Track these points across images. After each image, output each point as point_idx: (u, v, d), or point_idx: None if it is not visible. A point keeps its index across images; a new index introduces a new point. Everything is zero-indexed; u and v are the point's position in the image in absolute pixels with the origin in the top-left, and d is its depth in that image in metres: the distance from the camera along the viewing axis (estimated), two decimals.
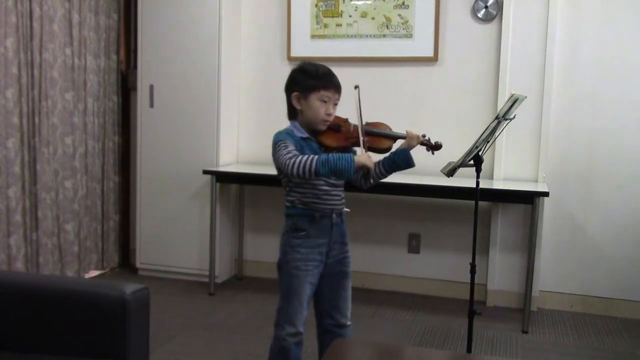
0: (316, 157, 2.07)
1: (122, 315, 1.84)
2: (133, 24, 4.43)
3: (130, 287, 1.89)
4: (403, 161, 2.27)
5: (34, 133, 3.69)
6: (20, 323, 1.94)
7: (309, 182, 2.23)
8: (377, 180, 2.33)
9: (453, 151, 2.84)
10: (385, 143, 2.28)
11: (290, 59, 4.22)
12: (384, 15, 4.02)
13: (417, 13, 3.96)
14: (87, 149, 4.14)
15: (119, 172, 4.49)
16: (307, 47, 4.18)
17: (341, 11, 4.11)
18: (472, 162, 2.54)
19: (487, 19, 3.87)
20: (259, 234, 4.44)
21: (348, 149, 2.26)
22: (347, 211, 2.36)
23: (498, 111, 2.50)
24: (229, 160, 4.30)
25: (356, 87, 2.24)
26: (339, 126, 2.25)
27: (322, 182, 2.24)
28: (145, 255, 4.36)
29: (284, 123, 2.32)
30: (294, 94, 2.24)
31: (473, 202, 2.62)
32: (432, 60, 3.97)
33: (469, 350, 2.67)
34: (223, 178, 4.07)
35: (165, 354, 3.02)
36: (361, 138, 2.19)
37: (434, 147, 2.33)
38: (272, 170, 3.82)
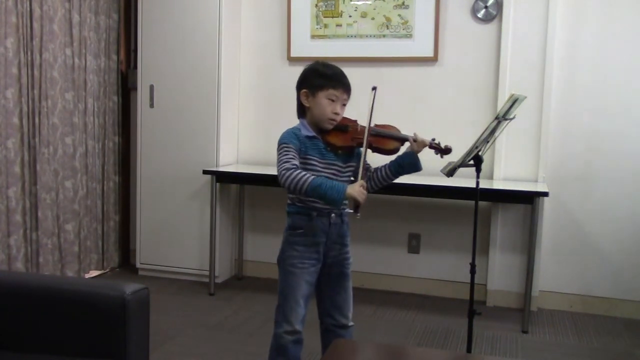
0: (310, 178, 2.07)
1: (122, 315, 1.84)
2: (133, 24, 4.43)
3: (130, 287, 1.89)
4: (409, 164, 2.28)
5: (34, 133, 3.70)
6: (20, 323, 1.94)
7: None
8: (383, 184, 2.34)
9: (453, 151, 2.83)
10: (390, 144, 2.29)
11: (290, 59, 4.22)
12: (384, 16, 4.02)
13: (417, 13, 3.96)
14: (87, 149, 4.14)
15: (119, 172, 4.49)
16: (307, 47, 4.17)
17: (341, 11, 4.11)
18: (472, 162, 2.55)
19: (487, 19, 3.86)
20: (259, 234, 4.44)
21: (352, 148, 2.28)
22: (349, 212, 2.35)
23: (498, 111, 2.50)
24: (229, 160, 4.30)
25: (374, 88, 2.25)
26: (346, 126, 2.26)
27: None
28: (146, 255, 4.36)
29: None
30: (303, 91, 2.26)
31: (473, 202, 2.62)
32: (432, 60, 3.97)
33: (469, 350, 2.67)
34: (223, 178, 4.07)
35: (165, 354, 3.02)
36: (365, 138, 2.19)
37: (444, 151, 2.33)
38: (272, 170, 3.79)
